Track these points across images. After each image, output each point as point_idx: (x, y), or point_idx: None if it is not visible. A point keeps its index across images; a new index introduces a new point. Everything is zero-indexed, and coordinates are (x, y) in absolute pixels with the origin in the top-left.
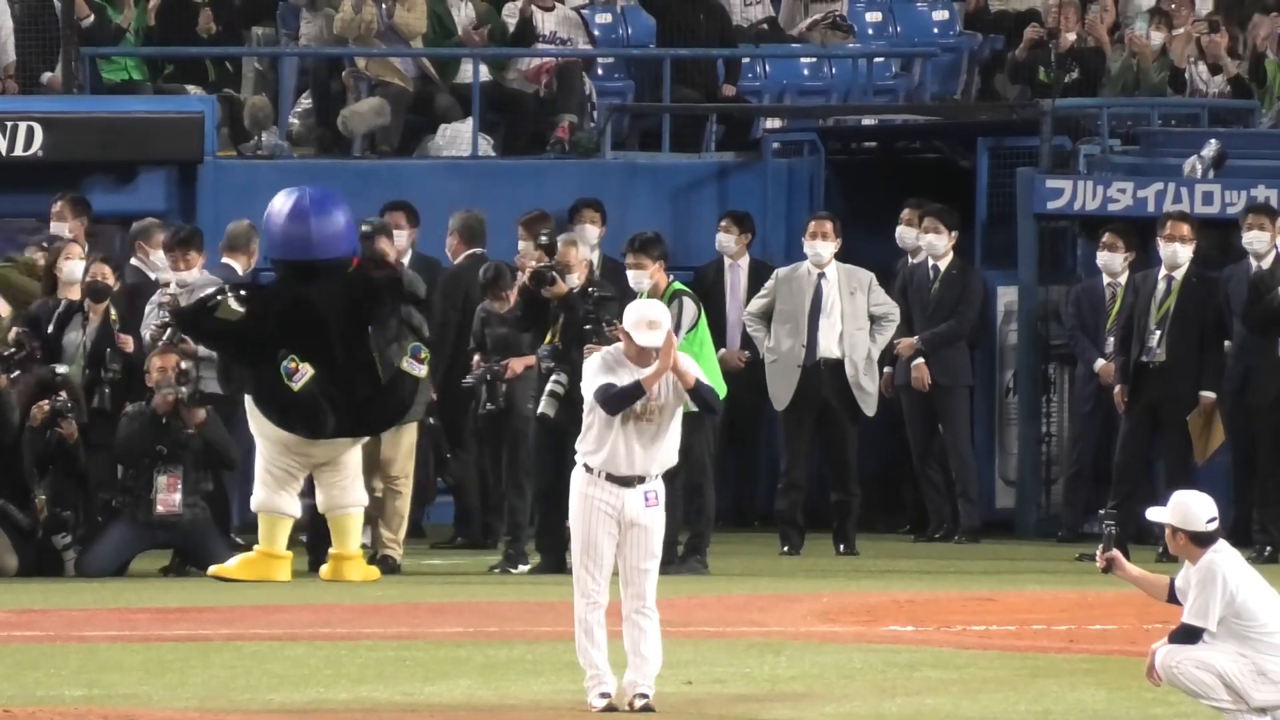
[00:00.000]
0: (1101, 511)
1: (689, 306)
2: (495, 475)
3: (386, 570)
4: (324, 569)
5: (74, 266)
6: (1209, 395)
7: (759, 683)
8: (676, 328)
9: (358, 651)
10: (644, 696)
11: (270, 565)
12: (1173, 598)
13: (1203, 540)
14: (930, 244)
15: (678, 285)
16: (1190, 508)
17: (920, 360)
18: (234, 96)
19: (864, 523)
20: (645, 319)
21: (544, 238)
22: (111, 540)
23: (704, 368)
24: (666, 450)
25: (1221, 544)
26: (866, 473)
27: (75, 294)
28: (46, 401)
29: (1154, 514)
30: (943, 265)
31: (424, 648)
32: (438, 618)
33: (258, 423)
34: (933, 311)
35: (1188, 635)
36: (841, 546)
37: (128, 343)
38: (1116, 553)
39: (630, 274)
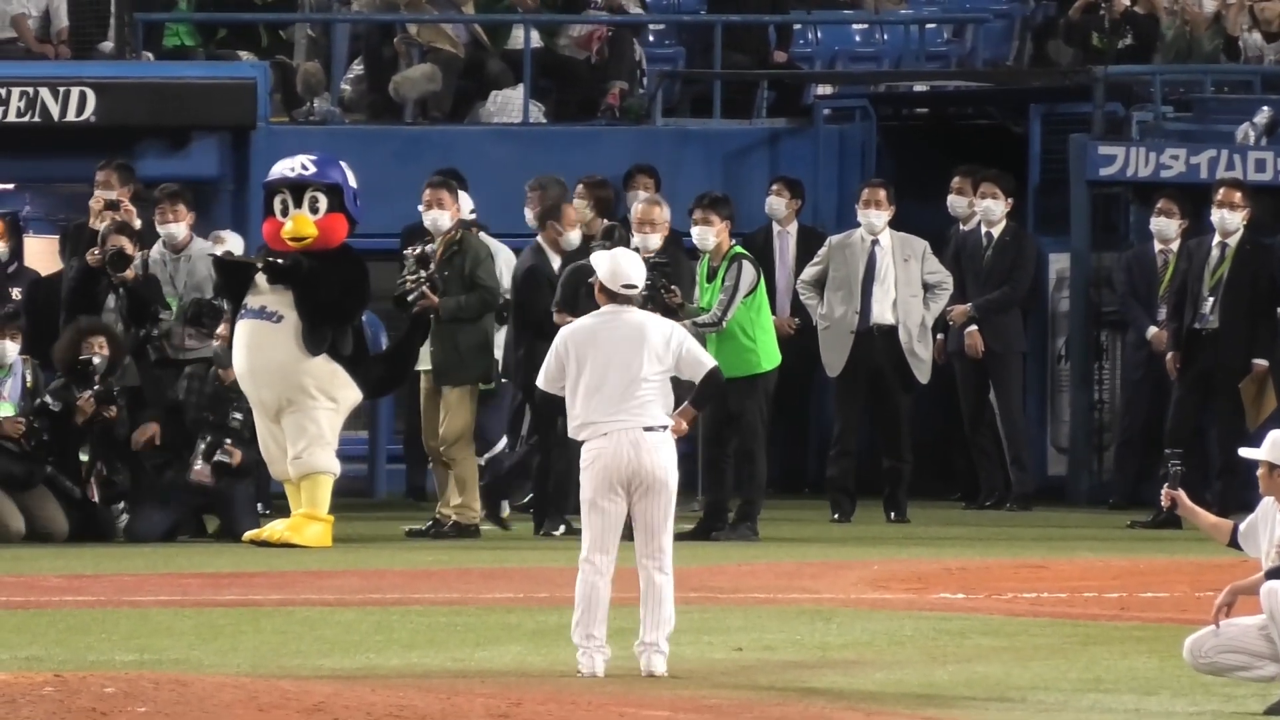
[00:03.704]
0: (1168, 451)
1: (748, 270)
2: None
3: (466, 535)
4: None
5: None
6: (1261, 362)
7: (809, 650)
8: (734, 290)
9: (408, 617)
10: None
11: (313, 528)
12: (1234, 543)
13: None
14: (987, 209)
15: (738, 249)
16: None
17: (974, 327)
18: (286, 62)
19: (915, 490)
20: (621, 281)
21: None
22: (159, 504)
23: (759, 334)
24: None
25: None
26: (917, 440)
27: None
28: (90, 394)
29: (1248, 452)
30: (996, 231)
31: (475, 613)
32: (489, 583)
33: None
34: (986, 278)
35: None
36: (892, 514)
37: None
38: (1181, 492)
39: (696, 230)
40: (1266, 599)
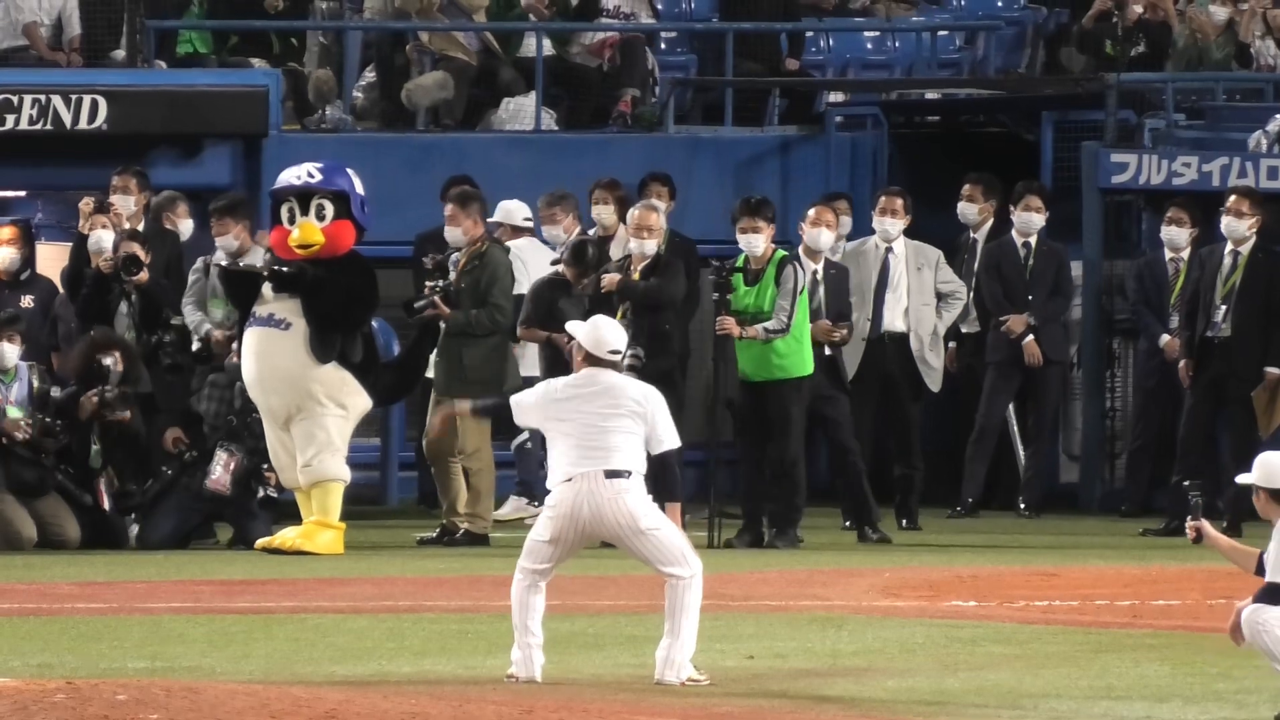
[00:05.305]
0: (1186, 483)
1: (800, 273)
2: None
3: (477, 542)
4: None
5: (101, 235)
6: (1274, 371)
7: (821, 657)
8: (793, 293)
9: (420, 624)
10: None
11: (325, 535)
12: (1261, 570)
13: None
14: (1029, 220)
15: (783, 252)
16: (1274, 466)
17: (1030, 336)
18: (298, 70)
19: (926, 497)
20: (606, 348)
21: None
22: (171, 511)
23: (805, 337)
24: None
25: None
26: (929, 448)
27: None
28: (95, 394)
29: (1243, 479)
30: (1033, 241)
31: (486, 621)
32: (500, 590)
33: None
34: (1032, 287)
35: (1274, 595)
36: (904, 521)
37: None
38: (1205, 522)
39: (744, 238)
40: (1247, 626)
